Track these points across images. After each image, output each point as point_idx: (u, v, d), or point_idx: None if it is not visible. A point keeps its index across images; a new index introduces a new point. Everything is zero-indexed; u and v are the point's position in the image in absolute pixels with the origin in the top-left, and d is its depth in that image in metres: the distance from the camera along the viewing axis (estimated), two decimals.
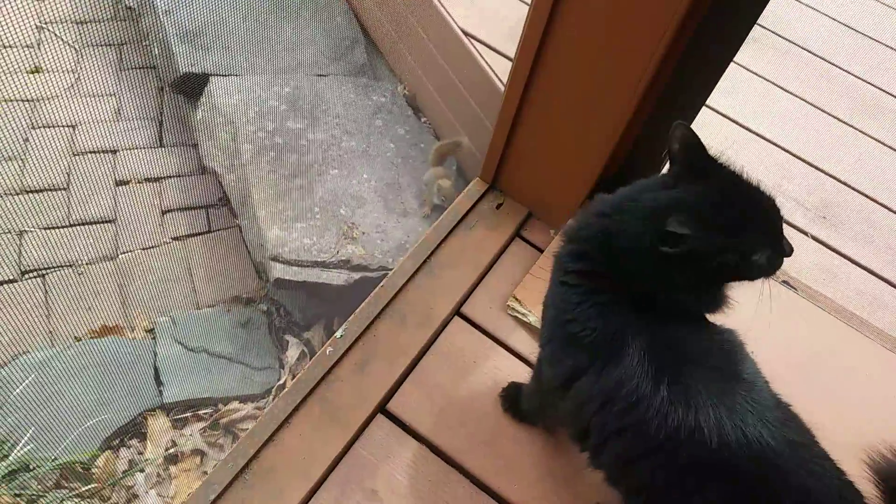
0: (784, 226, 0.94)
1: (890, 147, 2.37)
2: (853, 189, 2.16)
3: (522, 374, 1.43)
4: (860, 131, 2.41)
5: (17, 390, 1.83)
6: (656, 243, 0.85)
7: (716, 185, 0.90)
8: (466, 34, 2.28)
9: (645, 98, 1.37)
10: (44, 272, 2.26)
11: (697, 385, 0.87)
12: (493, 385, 1.40)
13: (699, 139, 0.90)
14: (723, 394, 0.87)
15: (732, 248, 0.86)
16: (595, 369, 0.94)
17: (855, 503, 0.87)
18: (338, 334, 1.37)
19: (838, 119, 2.44)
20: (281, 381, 2.04)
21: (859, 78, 2.66)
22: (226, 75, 2.60)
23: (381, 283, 1.49)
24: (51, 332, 2.12)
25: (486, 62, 2.18)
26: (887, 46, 2.87)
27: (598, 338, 0.94)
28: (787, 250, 0.91)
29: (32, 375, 1.86)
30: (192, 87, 2.64)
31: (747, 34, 1.43)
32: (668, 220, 0.83)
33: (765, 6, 1.36)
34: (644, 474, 0.94)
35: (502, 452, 1.31)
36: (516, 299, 1.54)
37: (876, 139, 2.39)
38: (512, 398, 1.35)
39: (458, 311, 1.51)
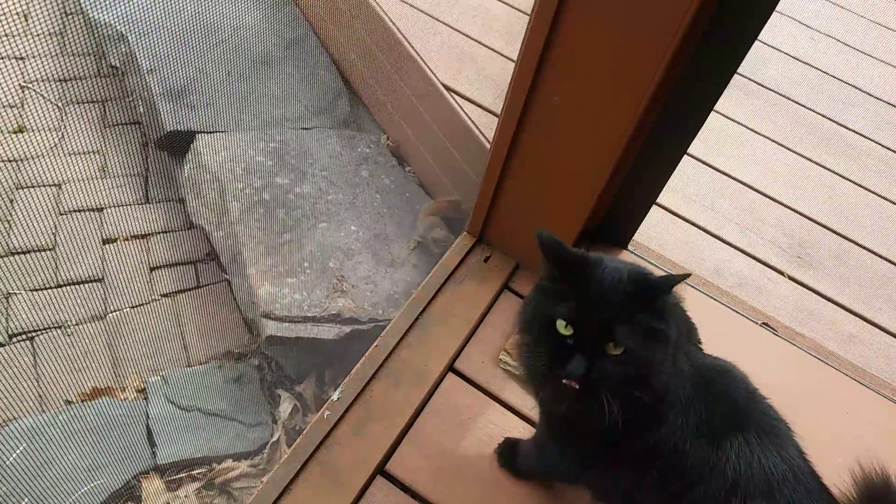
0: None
1: (861, 186, 2.45)
2: (827, 228, 2.23)
3: (517, 428, 1.46)
4: (832, 171, 2.49)
5: (11, 458, 1.81)
6: None
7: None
8: (448, 88, 2.34)
9: (629, 148, 1.42)
10: (32, 335, 2.25)
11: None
12: (489, 440, 1.42)
13: (558, 244, 0.94)
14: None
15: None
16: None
17: None
18: (334, 397, 1.39)
19: (811, 160, 2.52)
20: (275, 438, 2.04)
21: (830, 119, 2.76)
22: (211, 132, 2.63)
23: (375, 344, 1.52)
24: (41, 396, 2.10)
25: (468, 116, 2.24)
26: (856, 88, 2.98)
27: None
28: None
29: (24, 444, 1.84)
30: (177, 144, 2.66)
31: (729, 80, 1.47)
32: None
33: (746, 52, 1.39)
34: None
35: None
36: (507, 352, 1.57)
37: (848, 178, 2.47)
38: (507, 454, 1.38)
39: (451, 367, 1.54)
